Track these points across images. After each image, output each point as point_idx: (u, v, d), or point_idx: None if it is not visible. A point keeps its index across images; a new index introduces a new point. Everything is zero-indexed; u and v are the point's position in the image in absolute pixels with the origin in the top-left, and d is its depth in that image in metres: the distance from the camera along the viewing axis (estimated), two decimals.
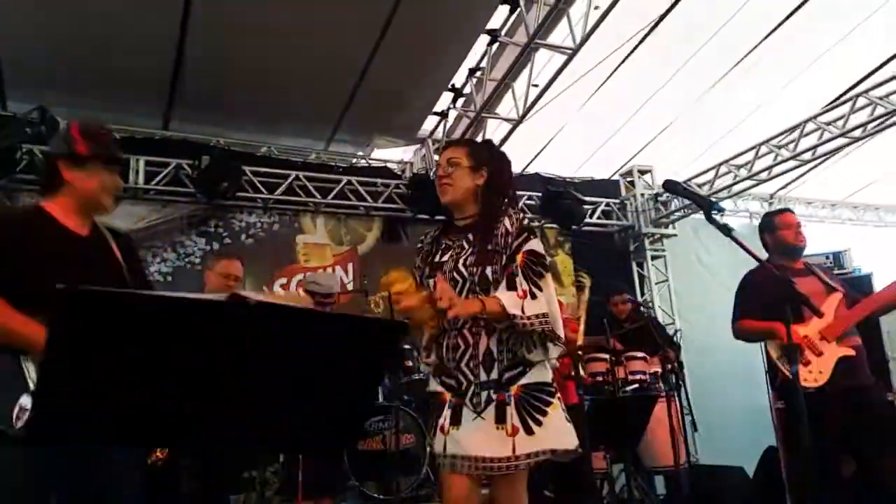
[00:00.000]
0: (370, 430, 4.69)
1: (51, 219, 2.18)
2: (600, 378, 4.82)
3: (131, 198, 5.88)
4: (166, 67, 5.63)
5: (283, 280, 6.27)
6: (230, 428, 1.22)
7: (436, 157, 7.03)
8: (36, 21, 5.07)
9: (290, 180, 6.38)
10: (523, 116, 6.36)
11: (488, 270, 2.30)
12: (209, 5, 5.03)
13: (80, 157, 2.16)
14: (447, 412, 2.29)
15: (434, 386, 2.39)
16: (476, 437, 2.21)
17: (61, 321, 1.08)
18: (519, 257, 2.30)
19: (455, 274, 2.33)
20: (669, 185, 2.53)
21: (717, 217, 2.39)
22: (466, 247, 2.37)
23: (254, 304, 1.15)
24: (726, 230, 2.37)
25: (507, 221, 2.41)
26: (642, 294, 7.80)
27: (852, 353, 3.26)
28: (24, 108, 5.72)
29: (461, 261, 2.34)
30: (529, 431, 2.20)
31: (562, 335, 2.32)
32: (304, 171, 6.50)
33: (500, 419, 2.20)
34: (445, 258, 2.39)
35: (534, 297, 2.24)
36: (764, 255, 3.52)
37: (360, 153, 7.26)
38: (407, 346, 4.94)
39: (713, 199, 2.39)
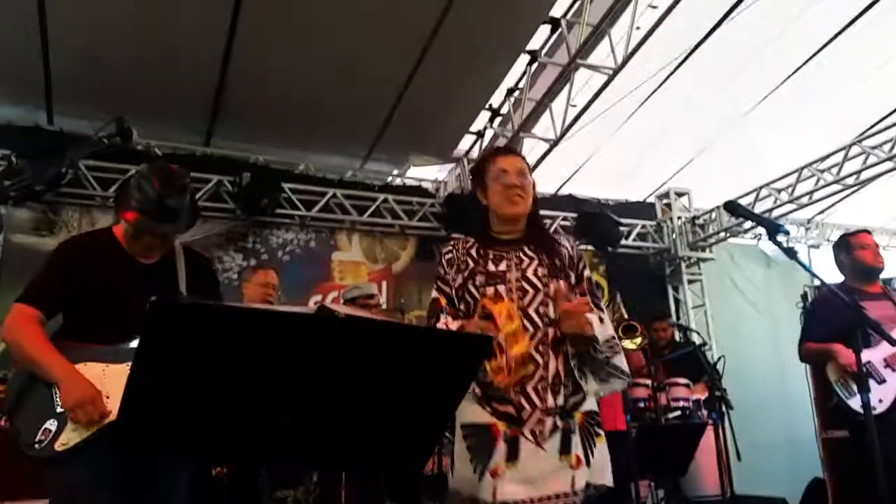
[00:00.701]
0: None
1: (116, 244, 2.26)
2: (642, 405, 4.72)
3: None
4: (211, 85, 5.71)
5: (318, 297, 6.28)
6: (317, 444, 1.20)
7: (471, 177, 7.02)
8: (83, 36, 5.17)
9: (327, 198, 6.40)
10: (561, 136, 6.34)
11: (561, 284, 2.15)
12: (254, 26, 5.09)
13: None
14: (501, 448, 1.99)
15: (479, 416, 2.05)
16: (541, 473, 1.99)
17: (149, 334, 1.06)
18: (584, 282, 2.24)
19: (524, 283, 2.15)
20: (731, 207, 2.48)
21: (783, 240, 2.32)
22: (527, 258, 2.20)
23: (343, 318, 1.12)
24: (791, 253, 2.31)
25: (563, 240, 2.36)
26: (678, 318, 7.68)
27: None
28: (69, 123, 5.84)
29: (530, 271, 2.17)
30: (588, 463, 2.05)
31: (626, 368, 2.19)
32: (341, 189, 6.52)
33: (565, 450, 2.01)
34: (502, 267, 2.18)
35: (602, 321, 2.12)
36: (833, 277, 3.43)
37: (396, 172, 7.28)
38: None
39: (778, 222, 2.29)
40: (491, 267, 2.19)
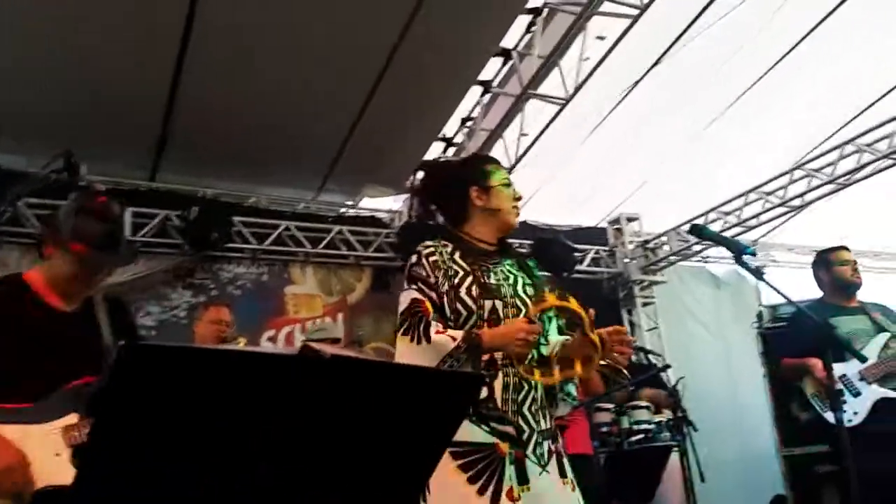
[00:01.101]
0: None
1: (32, 293, 2.04)
2: (605, 429, 4.70)
3: None
4: (156, 118, 5.54)
5: (272, 332, 6.10)
6: (301, 495, 1.11)
7: None
8: (19, 66, 4.97)
9: (279, 230, 6.27)
10: (514, 165, 6.38)
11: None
12: (203, 55, 4.98)
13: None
14: (510, 471, 1.91)
15: (477, 435, 1.93)
16: (551, 497, 1.95)
17: (118, 381, 0.97)
18: None
19: (518, 301, 2.11)
20: (696, 230, 2.49)
21: (748, 261, 2.34)
22: (512, 274, 2.17)
23: (330, 358, 1.04)
24: (758, 274, 2.33)
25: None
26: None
27: (894, 395, 3.19)
28: (6, 160, 5.58)
29: (520, 288, 2.15)
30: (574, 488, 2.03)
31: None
32: (294, 221, 6.40)
33: (563, 473, 2.00)
34: (493, 280, 2.12)
35: None
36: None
37: (350, 202, 7.19)
38: None
39: (746, 244, 2.31)
40: (483, 279, 2.12)
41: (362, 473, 1.16)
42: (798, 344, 3.24)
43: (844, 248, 3.61)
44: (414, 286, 2.09)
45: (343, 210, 7.13)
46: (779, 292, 2.40)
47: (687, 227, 7.52)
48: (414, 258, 2.17)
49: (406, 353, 1.96)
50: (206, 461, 1.01)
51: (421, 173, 2.44)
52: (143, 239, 5.76)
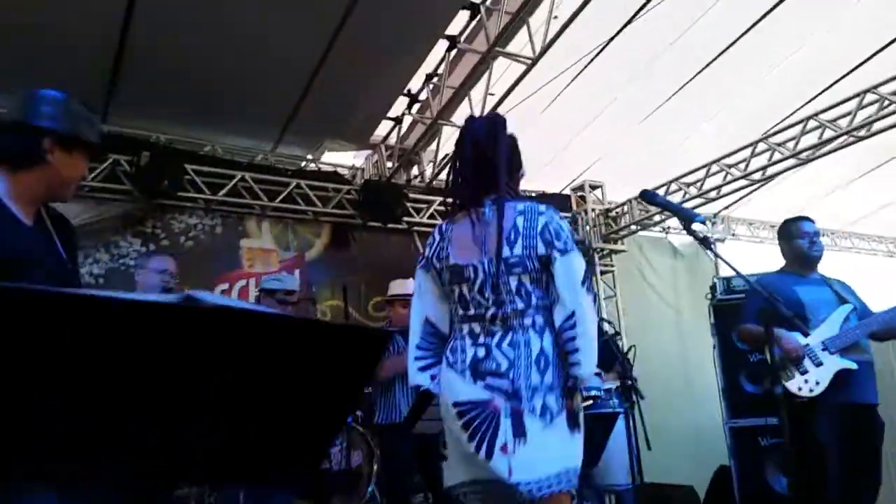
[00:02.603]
0: None
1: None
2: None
3: None
4: (107, 58, 5.29)
5: (225, 286, 5.97)
6: (182, 454, 1.02)
7: (388, 164, 6.86)
8: None
9: (234, 181, 6.08)
10: None
11: None
12: None
13: (77, 139, 1.88)
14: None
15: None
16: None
17: None
18: None
19: None
20: (647, 196, 2.43)
21: (698, 229, 2.29)
22: None
23: (214, 308, 0.95)
24: (706, 243, 2.28)
25: None
26: None
27: (854, 366, 3.19)
28: None
29: None
30: None
31: None
32: (251, 173, 6.21)
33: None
34: None
35: None
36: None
37: (310, 156, 7.01)
38: None
39: (696, 212, 2.26)
40: None
41: (252, 433, 1.08)
42: (755, 309, 3.22)
43: (806, 218, 3.58)
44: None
45: (303, 164, 6.95)
46: (727, 263, 2.37)
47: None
48: (566, 224, 2.18)
49: (590, 311, 2.05)
50: (83, 410, 0.92)
51: None
52: (92, 184, 5.54)
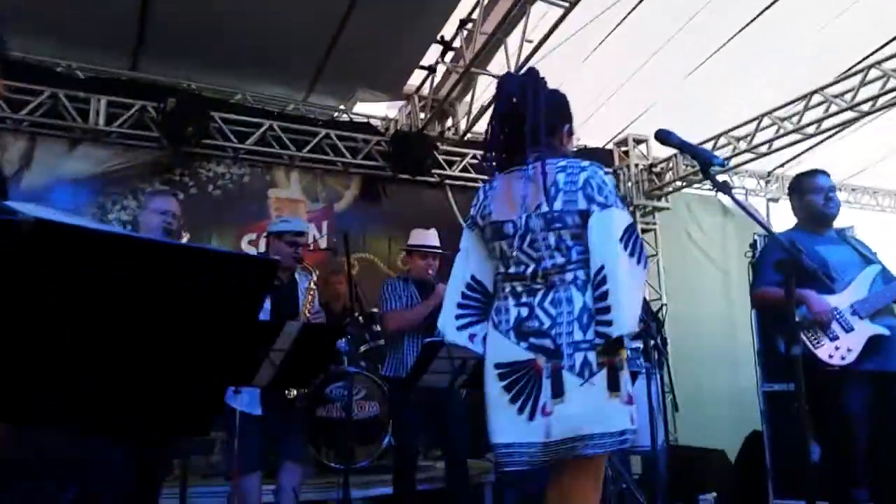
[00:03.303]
0: (331, 395, 4.42)
1: None
2: None
3: (91, 139, 5.53)
4: (136, 4, 5.23)
5: (253, 236, 5.95)
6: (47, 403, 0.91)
7: (421, 115, 6.67)
8: None
9: (263, 130, 6.01)
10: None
11: None
12: None
13: None
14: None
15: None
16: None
17: None
18: None
19: None
20: (662, 136, 2.21)
21: (717, 174, 2.07)
22: None
23: (34, 222, 0.82)
24: (726, 188, 2.07)
25: None
26: None
27: (887, 332, 2.94)
28: None
29: None
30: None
31: None
32: (279, 122, 6.12)
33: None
34: None
35: None
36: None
37: (342, 107, 6.87)
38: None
39: (715, 154, 2.05)
40: None
41: (136, 368, 0.96)
42: (771, 273, 2.97)
43: (821, 172, 3.27)
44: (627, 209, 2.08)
45: (336, 115, 6.82)
46: (748, 212, 2.15)
47: None
48: (613, 179, 2.12)
49: (627, 267, 1.96)
50: None
51: None
52: (119, 130, 5.55)
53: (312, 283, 3.34)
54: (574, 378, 1.91)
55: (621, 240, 1.96)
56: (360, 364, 4.63)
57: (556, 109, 2.20)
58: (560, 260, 2.02)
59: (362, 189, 6.54)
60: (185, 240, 2.96)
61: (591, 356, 1.92)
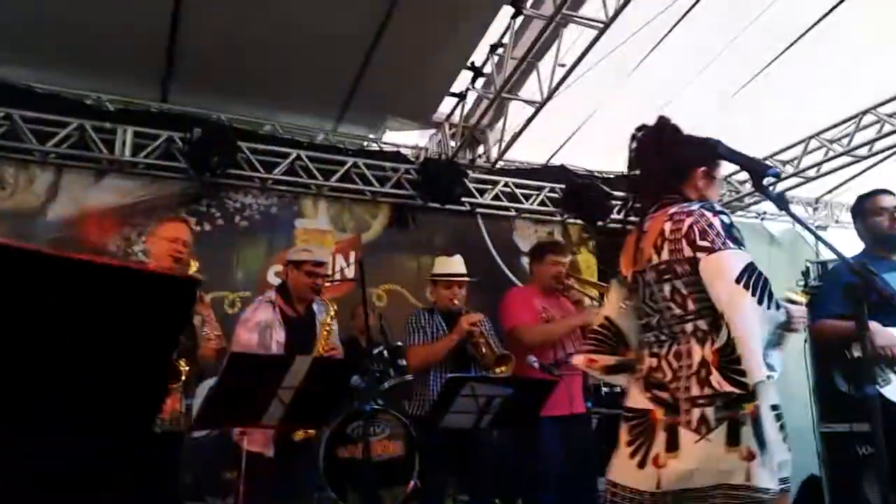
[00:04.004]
0: (352, 435, 4.19)
1: None
2: (618, 388, 4.23)
3: (118, 171, 5.49)
4: (164, 36, 5.22)
5: (279, 267, 5.77)
6: None
7: (451, 143, 6.52)
8: None
9: (290, 160, 5.91)
10: (547, 99, 5.81)
11: None
12: None
13: None
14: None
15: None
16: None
17: None
18: None
19: None
20: (710, 146, 1.98)
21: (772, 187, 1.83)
22: None
23: None
24: (782, 202, 1.83)
25: None
26: None
27: None
28: (13, 73, 5.39)
29: None
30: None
31: None
32: (307, 151, 6.02)
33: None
34: None
35: None
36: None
37: (372, 136, 6.77)
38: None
39: (769, 164, 1.83)
40: None
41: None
42: (836, 298, 2.68)
43: (885, 191, 3.00)
44: (741, 248, 1.99)
45: (365, 144, 6.71)
46: (808, 228, 1.91)
47: (742, 175, 6.83)
48: (726, 219, 2.03)
49: (751, 310, 1.87)
50: None
51: None
52: (147, 161, 5.50)
53: (329, 318, 3.15)
54: (690, 434, 1.88)
55: (738, 281, 1.87)
56: (378, 402, 4.40)
57: (683, 154, 2.18)
58: (678, 311, 2.01)
59: (391, 218, 6.38)
60: (193, 269, 2.79)
61: (709, 412, 1.88)
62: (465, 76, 6.15)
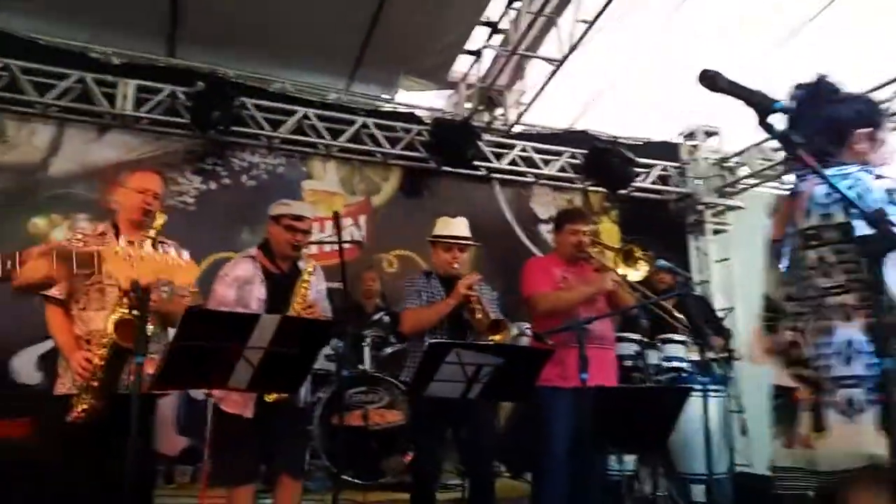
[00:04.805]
0: (350, 402, 4.03)
1: None
2: (629, 363, 4.00)
3: (120, 126, 5.34)
4: None
5: None
6: None
7: (467, 105, 6.23)
8: None
9: (297, 117, 5.70)
10: (566, 57, 5.48)
11: None
12: None
13: None
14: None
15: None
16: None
17: None
18: None
19: None
20: (708, 77, 1.72)
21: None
22: None
23: None
24: (788, 143, 1.55)
25: None
26: (700, 273, 6.85)
27: None
28: (22, 25, 5.26)
29: None
30: None
31: None
32: (315, 110, 5.80)
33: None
34: None
35: None
36: None
37: (386, 96, 6.51)
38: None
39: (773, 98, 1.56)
40: None
41: None
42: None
43: None
44: None
45: (378, 105, 6.46)
46: (834, 187, 1.63)
47: (772, 143, 6.42)
48: (890, 184, 1.90)
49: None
50: None
51: None
52: (150, 115, 5.34)
53: (306, 275, 2.94)
54: (836, 415, 1.83)
55: None
56: (361, 368, 4.22)
57: (842, 115, 2.03)
58: (822, 283, 1.90)
59: (402, 181, 6.16)
60: (160, 221, 2.60)
61: (857, 394, 1.80)
62: (482, 33, 5.85)
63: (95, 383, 2.39)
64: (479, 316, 3.15)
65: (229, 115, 5.20)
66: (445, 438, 3.43)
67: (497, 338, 3.08)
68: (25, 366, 4.50)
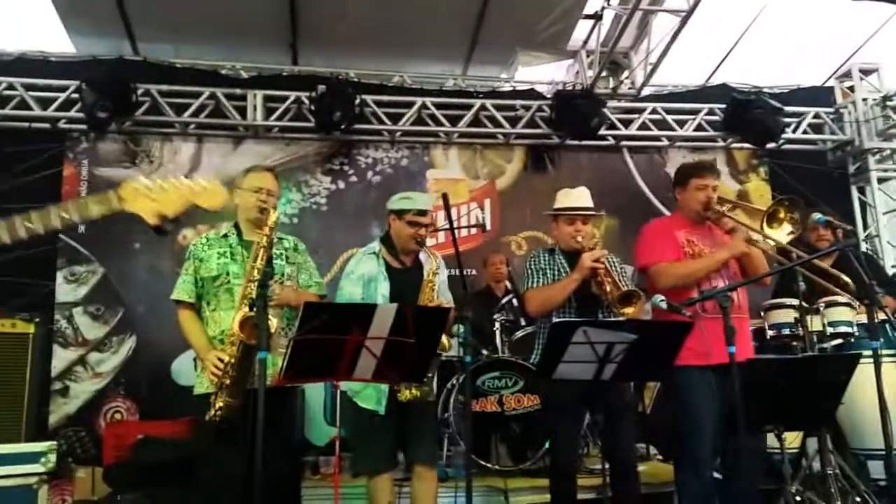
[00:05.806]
0: (484, 388, 3.96)
1: None
2: (787, 331, 3.61)
3: (253, 136, 5.61)
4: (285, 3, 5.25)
5: None
6: None
7: (589, 73, 5.95)
8: None
9: (416, 108, 5.70)
10: (695, 5, 5.08)
11: None
12: None
13: None
14: None
15: None
16: None
17: None
18: None
19: None
20: None
21: None
22: None
23: None
24: None
25: None
26: (865, 227, 6.15)
27: None
28: (152, 50, 5.65)
29: None
30: None
31: None
32: (432, 98, 5.77)
33: None
34: None
35: None
36: None
37: (504, 75, 6.37)
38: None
39: None
40: None
41: None
42: None
43: None
44: None
45: (497, 85, 6.34)
46: None
47: None
48: None
49: None
50: None
51: None
52: (280, 123, 5.57)
53: (432, 273, 2.91)
54: None
55: None
56: (486, 353, 4.12)
57: None
58: None
59: (526, 161, 6.00)
60: (274, 217, 2.63)
61: None
62: None
63: (228, 381, 2.48)
64: (608, 288, 2.95)
65: (351, 115, 5.30)
66: (583, 422, 3.28)
67: (630, 310, 2.87)
68: (185, 369, 4.85)
